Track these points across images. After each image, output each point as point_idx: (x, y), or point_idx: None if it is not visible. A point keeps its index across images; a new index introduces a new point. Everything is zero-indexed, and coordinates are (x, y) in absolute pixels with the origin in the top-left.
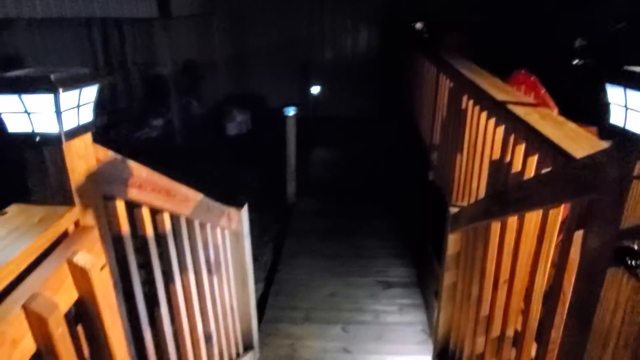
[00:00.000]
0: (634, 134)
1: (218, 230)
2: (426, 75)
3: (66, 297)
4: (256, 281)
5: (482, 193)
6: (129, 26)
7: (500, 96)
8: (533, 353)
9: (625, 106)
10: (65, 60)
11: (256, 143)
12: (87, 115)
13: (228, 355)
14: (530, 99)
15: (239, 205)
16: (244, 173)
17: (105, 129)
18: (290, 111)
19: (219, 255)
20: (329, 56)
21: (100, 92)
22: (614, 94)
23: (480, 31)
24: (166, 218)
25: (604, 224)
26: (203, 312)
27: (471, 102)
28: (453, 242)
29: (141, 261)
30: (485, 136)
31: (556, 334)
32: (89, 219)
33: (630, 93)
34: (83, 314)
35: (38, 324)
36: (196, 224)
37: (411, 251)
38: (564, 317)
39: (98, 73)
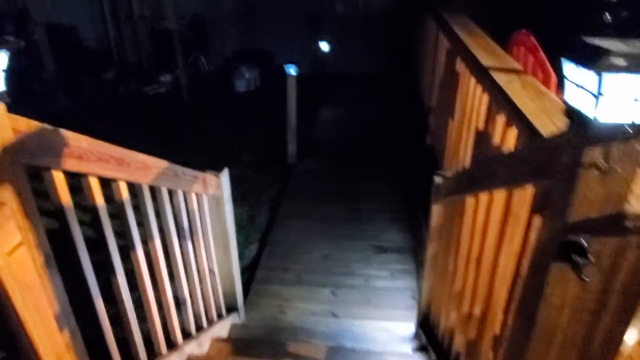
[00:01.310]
0: (584, 118)
1: (193, 196)
2: (427, 33)
3: None
4: (251, 242)
5: (467, 163)
6: None
7: (486, 60)
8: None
9: (578, 84)
10: (72, 14)
11: (264, 100)
12: None
13: (208, 317)
14: (518, 65)
15: (239, 165)
16: (250, 131)
17: (114, 84)
18: (291, 69)
19: (195, 221)
20: (340, 10)
21: (108, 46)
22: (568, 69)
23: None
24: (122, 187)
25: (554, 214)
26: (174, 278)
27: (463, 65)
28: (437, 213)
29: (96, 231)
30: (473, 103)
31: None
32: (7, 195)
33: (583, 70)
34: None
35: None
36: (163, 191)
37: (407, 216)
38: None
39: (4, 39)
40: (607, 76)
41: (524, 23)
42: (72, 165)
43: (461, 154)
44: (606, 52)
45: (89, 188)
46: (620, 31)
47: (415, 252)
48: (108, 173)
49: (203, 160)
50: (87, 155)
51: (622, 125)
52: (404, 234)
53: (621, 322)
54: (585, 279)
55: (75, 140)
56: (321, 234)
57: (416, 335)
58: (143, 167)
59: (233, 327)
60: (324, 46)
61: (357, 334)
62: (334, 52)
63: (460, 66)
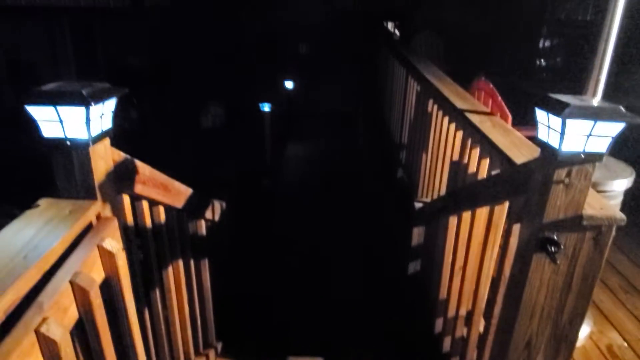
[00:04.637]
0: (553, 148)
1: (202, 222)
2: (396, 77)
3: (97, 275)
4: None
5: (443, 190)
6: (100, 17)
7: (459, 104)
8: (481, 329)
9: (548, 126)
10: (37, 49)
11: (230, 137)
12: (107, 122)
13: (209, 340)
14: (486, 107)
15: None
16: (219, 168)
17: None
18: (266, 107)
19: (203, 245)
20: (304, 51)
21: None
22: (540, 115)
23: (453, 29)
24: (161, 211)
25: (532, 218)
26: (190, 297)
27: (436, 107)
28: (417, 234)
29: (141, 250)
30: (447, 139)
31: (498, 310)
32: (108, 212)
33: (551, 117)
34: (109, 291)
35: (81, 296)
36: (184, 216)
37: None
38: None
39: (117, 88)
40: (569, 121)
41: (477, 69)
42: (138, 189)
43: (437, 183)
44: (567, 105)
45: (142, 210)
46: (554, 74)
47: None
48: (157, 197)
49: None
50: (148, 181)
51: (578, 153)
52: None
53: (583, 298)
54: (558, 263)
55: (143, 168)
56: None
57: None
58: (177, 193)
59: None
60: (290, 85)
61: None
62: (300, 91)
63: (432, 107)
